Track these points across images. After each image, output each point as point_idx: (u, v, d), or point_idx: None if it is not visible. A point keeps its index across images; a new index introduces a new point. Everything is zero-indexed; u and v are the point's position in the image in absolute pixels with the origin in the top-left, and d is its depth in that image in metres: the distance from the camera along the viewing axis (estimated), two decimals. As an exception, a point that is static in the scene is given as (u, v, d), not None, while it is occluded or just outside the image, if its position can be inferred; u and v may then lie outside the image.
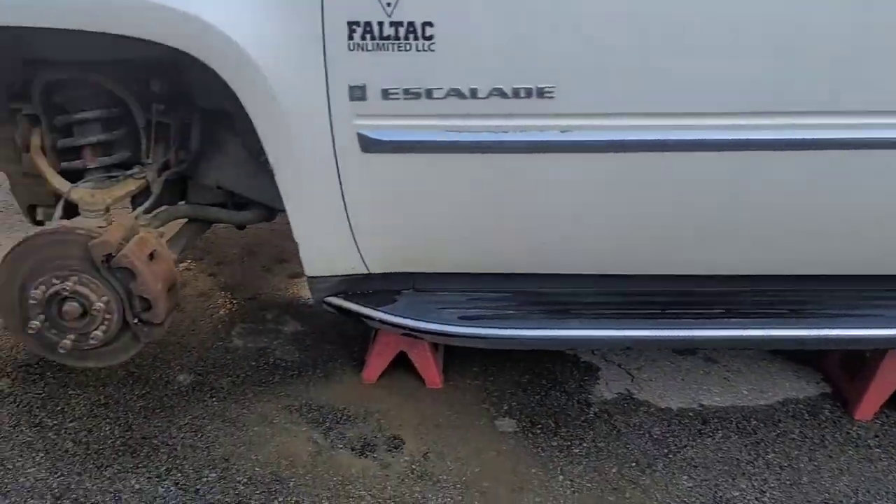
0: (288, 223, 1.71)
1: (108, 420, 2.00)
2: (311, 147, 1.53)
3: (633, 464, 1.87)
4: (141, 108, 1.89)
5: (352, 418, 2.02)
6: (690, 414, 2.06)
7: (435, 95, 1.46)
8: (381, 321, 1.74)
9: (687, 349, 2.32)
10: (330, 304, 1.81)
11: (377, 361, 2.16)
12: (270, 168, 1.60)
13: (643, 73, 1.47)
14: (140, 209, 1.94)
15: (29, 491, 1.75)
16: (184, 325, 2.46)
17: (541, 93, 1.45)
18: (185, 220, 2.21)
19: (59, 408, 2.04)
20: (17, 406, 2.04)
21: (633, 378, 2.21)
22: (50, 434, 1.94)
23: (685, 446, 1.94)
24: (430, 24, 1.41)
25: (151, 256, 1.77)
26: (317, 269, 1.73)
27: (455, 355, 2.23)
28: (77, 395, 2.09)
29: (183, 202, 2.25)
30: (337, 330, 2.44)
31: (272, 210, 2.19)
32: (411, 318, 1.71)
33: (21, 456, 1.86)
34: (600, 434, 1.98)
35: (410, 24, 1.41)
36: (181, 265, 2.82)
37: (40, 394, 2.09)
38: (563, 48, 1.44)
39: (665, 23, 1.44)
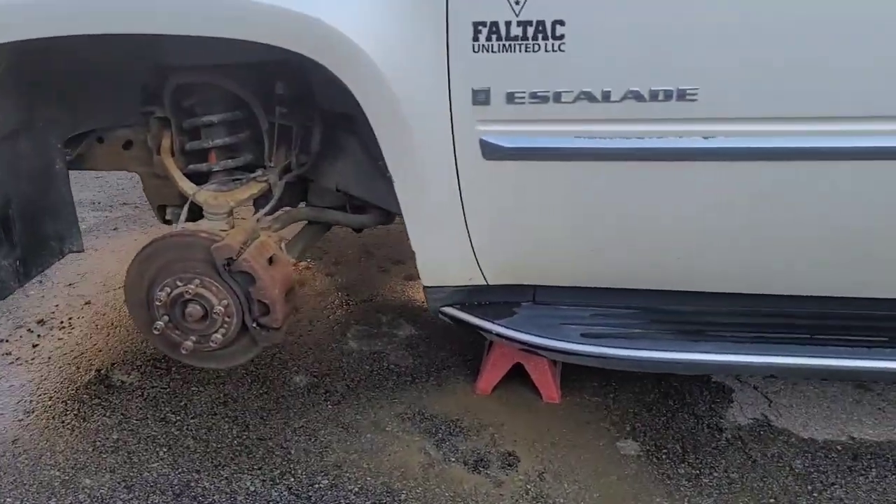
0: (405, 225, 1.66)
1: (226, 419, 2.03)
2: (430, 153, 1.47)
3: (772, 500, 1.70)
4: (264, 110, 1.89)
5: (465, 430, 1.96)
6: (839, 447, 1.85)
7: (563, 99, 1.36)
8: (499, 335, 1.66)
9: (835, 374, 2.09)
10: (446, 315, 1.75)
11: (492, 373, 2.08)
12: (388, 173, 1.55)
13: (797, 73, 1.30)
14: (261, 212, 1.95)
15: (152, 486, 1.79)
16: (301, 325, 2.48)
17: (682, 95, 1.32)
18: (305, 222, 2.21)
19: (182, 403, 2.09)
20: (145, 400, 2.11)
21: (770, 402, 2.02)
22: (173, 430, 1.99)
23: (833, 484, 1.74)
24: (560, 22, 1.31)
25: (271, 261, 1.78)
26: (433, 279, 1.67)
27: (573, 368, 2.12)
28: (199, 392, 2.14)
29: (304, 203, 2.27)
30: (451, 336, 2.38)
31: (390, 214, 2.15)
32: (530, 333, 1.61)
33: (146, 450, 1.91)
34: (733, 464, 1.81)
35: (540, 22, 1.31)
36: (301, 264, 2.86)
37: (165, 388, 2.16)
38: (707, 46, 1.30)
39: (823, 14, 1.27)
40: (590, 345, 1.57)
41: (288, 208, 2.23)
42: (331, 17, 1.36)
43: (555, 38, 1.31)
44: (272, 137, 1.93)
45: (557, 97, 1.36)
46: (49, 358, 2.31)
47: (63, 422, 2.02)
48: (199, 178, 1.95)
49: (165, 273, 1.75)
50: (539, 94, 1.36)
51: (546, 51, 1.33)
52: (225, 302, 1.74)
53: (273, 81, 1.84)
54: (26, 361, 2.30)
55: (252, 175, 1.95)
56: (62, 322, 2.52)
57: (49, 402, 2.10)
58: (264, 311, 1.76)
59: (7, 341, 2.40)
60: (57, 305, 2.62)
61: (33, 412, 2.06)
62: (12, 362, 2.29)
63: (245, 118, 1.92)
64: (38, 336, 2.43)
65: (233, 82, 1.84)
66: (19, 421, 2.03)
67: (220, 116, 1.88)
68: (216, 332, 1.76)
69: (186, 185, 1.91)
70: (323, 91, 1.91)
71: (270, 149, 1.94)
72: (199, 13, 1.38)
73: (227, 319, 1.76)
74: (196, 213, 1.94)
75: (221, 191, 1.90)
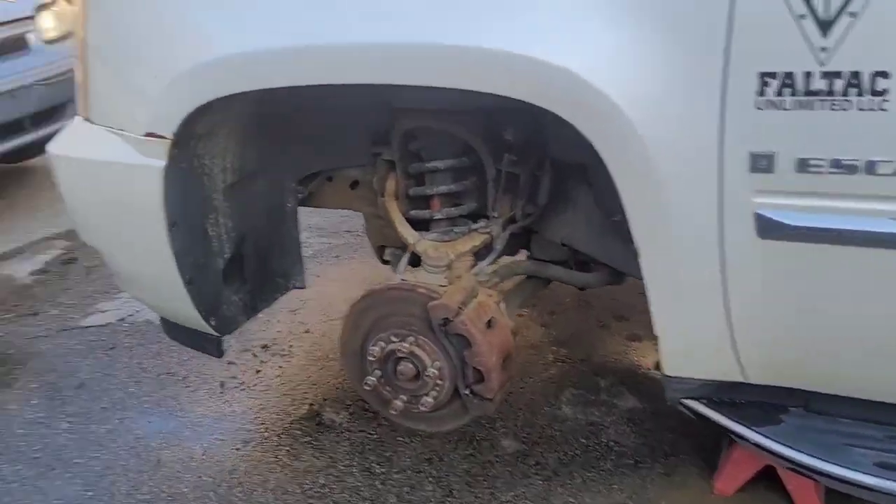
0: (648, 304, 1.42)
1: (430, 478, 1.91)
2: (690, 225, 1.22)
3: None
4: (492, 157, 1.76)
5: (698, 540, 1.66)
6: None
7: (880, 171, 1.05)
8: (759, 445, 1.35)
9: None
10: (687, 408, 1.47)
11: (734, 471, 1.75)
12: (635, 245, 1.32)
13: None
14: (481, 265, 1.82)
15: (351, 546, 1.72)
16: (513, 381, 2.31)
17: None
18: (525, 276, 2.05)
19: (387, 454, 2.01)
20: (352, 445, 2.06)
21: None
22: (377, 483, 1.91)
23: None
24: (883, 74, 1.01)
25: (489, 324, 1.62)
26: (678, 368, 1.41)
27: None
28: (405, 444, 2.05)
29: (525, 252, 2.11)
30: (681, 415, 2.07)
31: (619, 274, 1.92)
32: (805, 453, 1.28)
33: (349, 502, 1.85)
34: None
35: (855, 74, 1.02)
36: (514, 310, 2.70)
37: (372, 435, 2.10)
38: None
39: None
40: (889, 479, 1.21)
41: (507, 258, 2.09)
42: (579, 65, 1.17)
43: (874, 93, 1.01)
44: (498, 186, 1.79)
45: (871, 168, 1.05)
46: (269, 386, 2.36)
47: (276, 457, 2.03)
48: (419, 224, 1.87)
49: (380, 327, 1.67)
50: (844, 162, 1.06)
51: (860, 109, 1.03)
52: (438, 364, 1.61)
53: (503, 127, 1.70)
54: (249, 387, 2.37)
55: (475, 226, 1.83)
56: (283, 349, 2.58)
57: (265, 434, 2.13)
58: (479, 378, 1.61)
59: (234, 364, 2.50)
60: (279, 331, 2.70)
61: (250, 442, 2.10)
62: (237, 386, 2.38)
63: (471, 165, 1.80)
64: (262, 362, 2.50)
65: (461, 127, 1.73)
66: (237, 450, 2.07)
67: (445, 163, 1.78)
68: (427, 394, 1.64)
69: (407, 233, 1.83)
70: (557, 138, 1.74)
71: (495, 198, 1.81)
72: (435, 64, 1.26)
73: (438, 382, 1.63)
74: (416, 257, 1.86)
75: (443, 240, 1.80)
